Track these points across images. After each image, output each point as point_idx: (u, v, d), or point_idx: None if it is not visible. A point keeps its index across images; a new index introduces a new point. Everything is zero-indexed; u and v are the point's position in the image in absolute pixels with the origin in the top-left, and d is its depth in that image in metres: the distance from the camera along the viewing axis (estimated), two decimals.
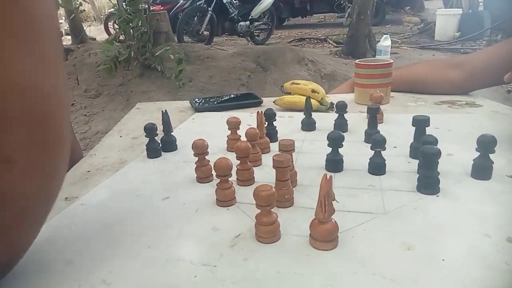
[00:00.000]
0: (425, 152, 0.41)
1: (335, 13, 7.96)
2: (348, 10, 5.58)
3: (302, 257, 0.33)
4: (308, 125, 0.65)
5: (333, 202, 0.33)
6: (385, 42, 4.04)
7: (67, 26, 5.30)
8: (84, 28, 5.10)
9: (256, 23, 6.16)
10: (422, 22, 6.87)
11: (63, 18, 5.35)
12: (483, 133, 0.44)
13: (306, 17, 8.62)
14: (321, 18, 9.09)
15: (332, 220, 0.34)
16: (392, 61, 0.81)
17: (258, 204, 0.34)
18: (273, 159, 0.40)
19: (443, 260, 0.31)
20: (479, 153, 0.45)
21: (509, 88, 0.59)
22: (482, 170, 0.44)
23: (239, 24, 6.01)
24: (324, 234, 0.33)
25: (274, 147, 0.58)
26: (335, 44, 5.61)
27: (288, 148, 0.44)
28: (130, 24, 2.97)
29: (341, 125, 0.62)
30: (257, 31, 6.39)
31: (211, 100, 0.89)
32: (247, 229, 0.37)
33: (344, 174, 0.48)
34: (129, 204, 0.43)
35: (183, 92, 3.03)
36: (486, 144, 0.43)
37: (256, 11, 6.06)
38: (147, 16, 3.15)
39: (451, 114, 0.70)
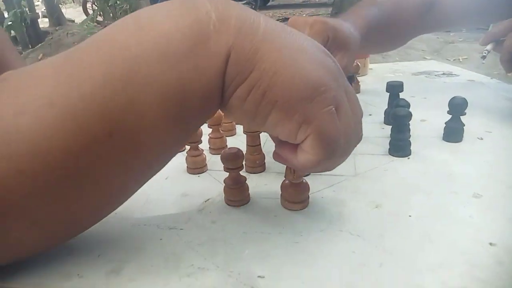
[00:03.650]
0: (396, 114, 0.41)
1: None
2: None
3: (271, 218, 0.32)
4: None
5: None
6: None
7: (44, 8, 5.12)
8: (62, 10, 4.94)
9: (240, 3, 6.06)
10: None
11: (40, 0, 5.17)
12: None
13: None
14: None
15: (303, 180, 0.33)
16: None
17: (226, 167, 0.34)
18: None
19: (410, 216, 0.31)
20: (450, 116, 0.45)
21: (484, 54, 0.59)
22: (453, 132, 0.44)
23: None
24: (293, 195, 0.33)
25: None
26: None
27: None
28: (108, 2, 2.89)
29: None
30: None
31: None
32: (216, 194, 0.37)
33: None
34: None
35: None
36: (457, 106, 0.43)
37: None
38: None
39: (427, 83, 0.70)
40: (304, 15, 6.50)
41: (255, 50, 0.23)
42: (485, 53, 0.58)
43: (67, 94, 0.22)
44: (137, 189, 0.28)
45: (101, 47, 0.23)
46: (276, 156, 0.29)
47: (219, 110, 0.26)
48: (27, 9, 4.24)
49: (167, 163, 0.27)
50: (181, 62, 0.22)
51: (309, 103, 0.23)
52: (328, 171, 0.28)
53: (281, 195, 0.34)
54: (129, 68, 0.22)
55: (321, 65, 0.24)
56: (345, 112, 0.25)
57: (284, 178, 0.34)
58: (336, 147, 0.25)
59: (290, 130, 0.24)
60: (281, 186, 0.34)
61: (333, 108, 0.24)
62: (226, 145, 0.47)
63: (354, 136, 0.27)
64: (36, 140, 0.21)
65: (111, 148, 0.23)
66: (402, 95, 0.51)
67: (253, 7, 6.29)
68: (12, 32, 4.19)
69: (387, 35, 0.58)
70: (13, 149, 0.21)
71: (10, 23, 3.90)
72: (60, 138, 0.22)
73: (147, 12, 0.24)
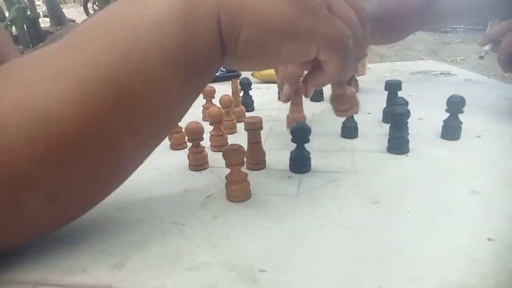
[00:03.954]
0: (395, 112, 0.41)
1: None
2: None
3: (271, 214, 0.33)
4: None
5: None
6: None
7: (45, 7, 5.12)
8: (63, 10, 4.94)
9: None
10: None
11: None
12: None
13: None
14: None
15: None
16: None
17: (228, 163, 0.34)
18: (244, 121, 0.40)
19: (408, 212, 0.32)
20: (448, 114, 0.45)
21: (482, 54, 0.59)
22: (451, 130, 0.45)
23: None
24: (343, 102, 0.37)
25: (251, 115, 0.57)
26: None
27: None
28: (109, 2, 2.88)
29: (317, 93, 0.62)
30: None
31: None
32: (218, 190, 0.37)
33: (317, 138, 0.48)
34: None
35: None
36: (455, 104, 0.44)
37: None
38: None
39: (425, 83, 0.71)
40: None
41: (239, 1, 0.25)
42: (483, 53, 0.59)
43: (73, 65, 0.23)
44: (146, 156, 0.29)
45: (101, 24, 0.25)
46: (313, 88, 0.33)
47: (234, 65, 0.28)
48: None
49: (175, 125, 0.32)
50: (176, 27, 0.24)
51: (303, 18, 0.25)
52: (357, 63, 0.30)
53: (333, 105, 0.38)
54: (129, 38, 0.24)
55: None
56: (339, 7, 0.27)
57: (285, 177, 0.34)
58: (345, 39, 0.27)
59: (301, 49, 0.26)
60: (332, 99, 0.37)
61: (326, 10, 0.26)
62: (227, 143, 0.47)
63: (361, 18, 0.28)
64: (46, 108, 0.22)
65: (120, 112, 0.24)
66: (400, 94, 0.51)
67: None
68: (14, 30, 4.18)
69: (387, 26, 0.59)
70: (24, 117, 0.22)
71: (12, 19, 3.89)
72: (69, 105, 0.23)
73: None
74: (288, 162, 0.40)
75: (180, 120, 0.30)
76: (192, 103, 0.29)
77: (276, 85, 0.69)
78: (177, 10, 0.25)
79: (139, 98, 0.24)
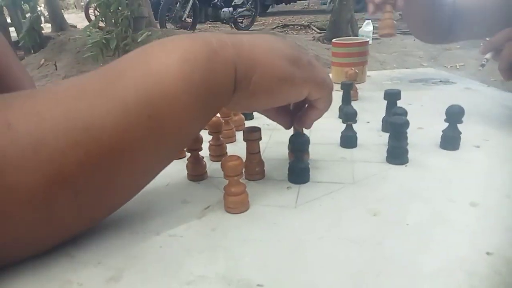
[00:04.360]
0: (394, 122, 0.41)
1: None
2: None
3: (270, 226, 0.33)
4: None
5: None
6: (367, 27, 4.06)
7: (47, 13, 5.14)
8: (64, 16, 4.97)
9: (240, 10, 6.08)
10: None
11: (42, 5, 5.18)
12: None
13: (290, 3, 8.55)
14: (305, 4, 9.04)
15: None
16: (368, 39, 0.81)
17: (226, 175, 0.34)
18: (243, 132, 0.40)
19: (407, 224, 0.32)
20: (448, 124, 0.45)
21: (483, 62, 0.59)
22: (450, 140, 0.45)
23: (222, 10, 5.92)
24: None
25: (250, 124, 0.57)
26: (318, 30, 5.60)
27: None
28: (110, 8, 2.90)
29: None
30: (240, 18, 6.30)
31: None
32: (216, 201, 0.37)
33: (316, 148, 0.48)
34: None
35: None
36: (454, 115, 0.44)
37: None
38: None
39: (425, 91, 0.71)
40: (303, 21, 6.54)
41: (250, 54, 0.33)
42: (484, 61, 0.59)
43: (115, 88, 0.28)
44: (163, 168, 0.33)
45: (135, 60, 0.30)
46: (308, 125, 0.41)
47: (243, 101, 0.34)
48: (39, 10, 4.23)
49: (188, 145, 0.40)
50: (200, 66, 0.30)
51: (297, 70, 0.34)
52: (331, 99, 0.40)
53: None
54: (162, 70, 0.29)
55: (290, 48, 0.35)
56: (315, 63, 0.37)
57: (283, 187, 0.34)
58: (327, 81, 0.37)
59: (297, 91, 0.35)
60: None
61: (309, 65, 0.36)
62: (226, 152, 0.47)
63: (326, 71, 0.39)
64: (92, 118, 0.27)
65: (149, 127, 0.28)
66: (399, 103, 0.51)
67: (253, 13, 6.33)
68: (15, 36, 4.20)
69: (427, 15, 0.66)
70: (72, 125, 0.26)
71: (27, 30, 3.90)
72: (110, 118, 0.27)
73: (168, 39, 0.31)
74: (287, 172, 0.40)
75: (192, 138, 0.37)
76: (203, 127, 0.35)
77: None
78: (202, 53, 0.30)
79: (165, 118, 0.29)
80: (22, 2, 4.22)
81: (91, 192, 0.28)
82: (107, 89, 0.28)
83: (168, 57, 0.29)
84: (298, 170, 0.39)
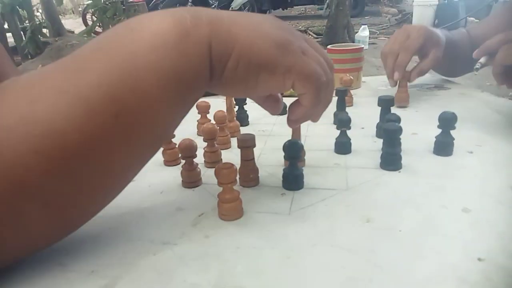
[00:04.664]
0: (387, 129, 0.42)
1: (315, 5, 7.97)
2: (327, 1, 5.60)
3: (264, 233, 0.33)
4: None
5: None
6: (363, 32, 4.08)
7: (44, 18, 5.14)
8: (62, 21, 4.96)
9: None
10: (399, 13, 6.95)
11: (40, 10, 5.18)
12: None
13: (287, 9, 8.59)
14: (302, 10, 9.09)
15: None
16: (363, 46, 0.82)
17: (220, 182, 0.34)
18: (237, 139, 0.40)
19: (400, 231, 0.32)
20: (441, 130, 0.46)
21: (477, 66, 0.60)
22: (443, 146, 0.45)
23: None
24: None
25: (246, 131, 0.58)
26: (315, 35, 5.62)
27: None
28: (107, 14, 2.91)
29: None
30: None
31: None
32: (211, 208, 0.37)
33: (310, 154, 0.48)
34: None
35: None
36: (447, 121, 0.44)
37: (236, 3, 6.00)
38: (124, 5, 3.09)
39: (419, 96, 0.71)
40: (300, 27, 6.57)
41: (229, 33, 0.28)
42: (478, 65, 0.59)
43: (77, 84, 0.25)
44: (140, 169, 0.31)
45: (100, 47, 0.27)
46: (292, 122, 0.36)
47: (216, 90, 0.31)
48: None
49: (166, 139, 0.38)
50: (169, 52, 0.27)
51: (282, 56, 0.29)
52: (330, 99, 0.35)
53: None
54: (127, 61, 0.26)
55: (279, 28, 0.30)
56: (311, 52, 0.32)
57: (278, 194, 0.34)
58: (317, 75, 0.31)
59: (277, 81, 0.30)
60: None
61: (301, 53, 0.30)
62: (221, 159, 0.47)
63: (325, 63, 0.33)
64: (51, 123, 0.24)
65: (117, 128, 0.26)
66: (394, 109, 0.52)
67: None
68: (12, 42, 4.19)
69: (451, 58, 0.71)
70: (30, 132, 0.24)
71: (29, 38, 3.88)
72: (72, 120, 0.25)
73: (134, 19, 0.29)
74: (282, 178, 0.40)
75: (171, 134, 0.31)
76: (182, 119, 0.31)
77: None
78: (171, 35, 0.27)
79: (135, 115, 0.26)
80: (19, 8, 4.22)
81: (61, 201, 0.26)
82: (68, 87, 0.25)
83: (133, 44, 0.26)
84: (292, 176, 0.40)
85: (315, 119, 0.37)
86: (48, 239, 0.29)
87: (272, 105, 0.37)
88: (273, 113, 0.38)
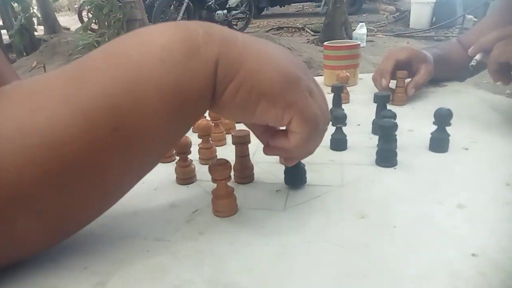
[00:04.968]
0: (383, 125, 0.42)
1: (313, 2, 7.96)
2: None
3: (258, 229, 0.33)
4: None
5: None
6: (361, 30, 4.09)
7: (40, 15, 5.11)
8: (57, 18, 4.94)
9: (234, 12, 6.08)
10: (397, 10, 6.95)
11: (35, 7, 5.15)
12: None
13: (285, 6, 8.58)
14: (299, 7, 9.07)
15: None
16: (359, 42, 0.81)
17: (214, 179, 0.34)
18: (232, 135, 0.40)
19: (395, 227, 0.32)
20: (436, 127, 0.46)
21: (472, 63, 0.60)
22: (439, 142, 0.45)
23: (217, 13, 5.92)
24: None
25: (241, 127, 0.57)
26: (312, 33, 5.61)
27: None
28: (103, 11, 2.90)
29: None
30: (234, 20, 6.30)
31: None
32: (205, 205, 0.37)
33: None
34: None
35: None
36: (442, 117, 0.44)
37: (234, 0, 5.98)
38: (120, 2, 3.07)
39: (416, 93, 0.71)
40: (298, 24, 6.57)
41: (239, 55, 0.28)
42: (474, 62, 0.59)
43: (79, 94, 0.25)
44: (135, 183, 0.30)
45: (107, 56, 0.27)
46: (268, 149, 0.34)
47: (213, 111, 0.30)
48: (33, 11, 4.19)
49: (164, 155, 0.34)
50: (177, 67, 0.26)
51: (288, 91, 0.28)
52: (313, 150, 0.34)
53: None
54: (133, 73, 0.25)
55: (292, 63, 0.29)
56: (316, 95, 0.31)
57: (273, 190, 0.34)
58: (317, 120, 0.30)
59: (276, 115, 0.29)
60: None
61: (307, 93, 0.29)
62: (216, 155, 0.47)
63: (326, 113, 0.32)
64: (51, 133, 0.24)
65: (116, 141, 0.26)
66: (390, 105, 0.52)
67: (247, 16, 6.34)
68: (7, 39, 4.16)
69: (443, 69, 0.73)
70: (28, 141, 0.24)
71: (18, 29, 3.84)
72: (72, 131, 0.24)
73: (145, 29, 0.28)
74: (277, 175, 0.40)
75: (170, 151, 0.30)
76: (181, 137, 0.31)
77: None
78: (181, 50, 0.26)
79: (135, 129, 0.26)
80: (14, 2, 4.18)
81: (56, 212, 0.26)
82: (69, 96, 0.25)
83: (141, 55, 0.26)
84: (295, 172, 0.39)
85: (289, 162, 0.36)
86: (41, 246, 0.29)
87: (264, 136, 0.34)
88: (264, 144, 0.35)
